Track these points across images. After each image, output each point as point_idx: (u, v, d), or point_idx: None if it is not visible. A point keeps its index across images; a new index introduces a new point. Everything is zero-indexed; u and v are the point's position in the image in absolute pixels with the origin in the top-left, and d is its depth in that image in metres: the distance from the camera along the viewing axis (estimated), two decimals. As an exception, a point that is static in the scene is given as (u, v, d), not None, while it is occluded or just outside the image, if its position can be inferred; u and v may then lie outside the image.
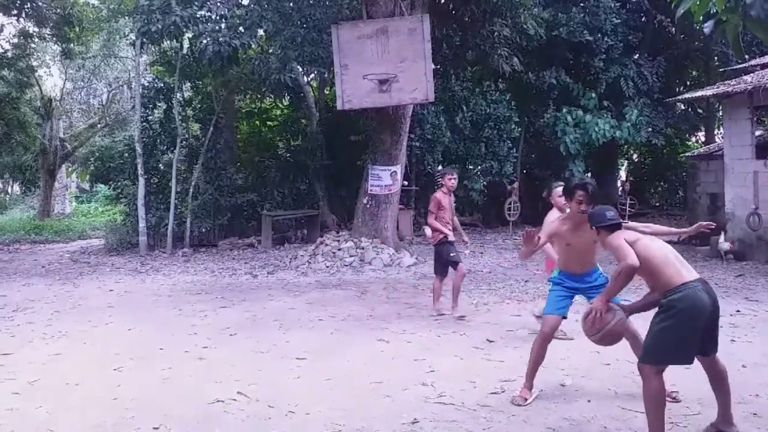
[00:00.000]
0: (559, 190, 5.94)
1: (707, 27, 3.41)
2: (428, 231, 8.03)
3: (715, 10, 3.22)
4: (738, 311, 7.68)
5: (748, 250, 11.86)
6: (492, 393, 4.98)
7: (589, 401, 4.74)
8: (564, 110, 19.14)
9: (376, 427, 4.35)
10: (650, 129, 19.77)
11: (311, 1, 13.98)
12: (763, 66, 13.38)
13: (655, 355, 3.91)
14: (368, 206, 13.71)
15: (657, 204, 26.05)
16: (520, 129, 19.03)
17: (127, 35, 20.04)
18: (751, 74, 12.95)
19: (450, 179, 8.03)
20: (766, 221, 11.70)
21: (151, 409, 4.80)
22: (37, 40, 21.41)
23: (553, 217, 6.01)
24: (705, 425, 4.25)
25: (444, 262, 7.91)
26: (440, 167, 19.96)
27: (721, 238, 11.99)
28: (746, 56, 16.93)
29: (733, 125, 12.53)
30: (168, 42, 16.07)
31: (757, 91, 11.36)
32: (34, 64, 24.39)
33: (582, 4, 18.71)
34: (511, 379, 5.29)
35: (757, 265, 11.26)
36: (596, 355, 5.94)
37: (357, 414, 4.61)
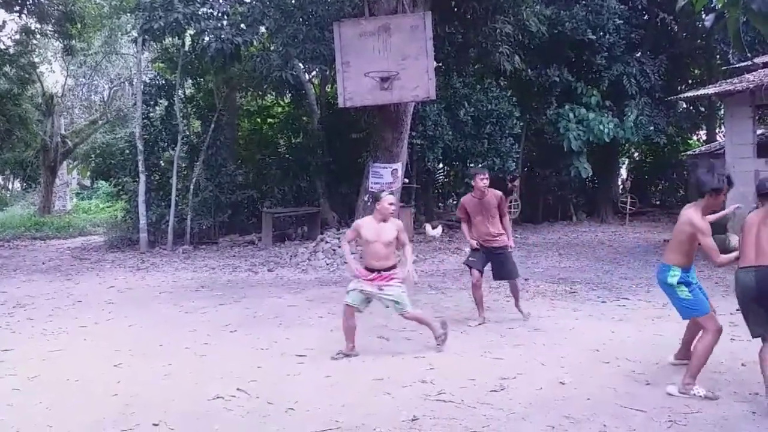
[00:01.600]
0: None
1: (708, 20, 3.41)
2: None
3: (716, 4, 3.22)
4: (738, 310, 7.64)
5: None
6: (492, 391, 4.97)
7: (588, 399, 4.73)
8: (566, 107, 19.13)
9: (376, 424, 4.35)
10: (651, 128, 19.76)
11: (313, -2, 13.98)
12: (765, 64, 13.36)
13: None
14: (369, 204, 13.68)
15: (658, 202, 26.03)
16: (522, 125, 19.02)
17: (129, 32, 20.05)
18: (753, 73, 12.94)
19: (481, 179, 7.28)
20: (768, 220, 11.67)
21: (150, 406, 4.80)
22: (38, 36, 21.41)
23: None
24: (705, 423, 4.24)
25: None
26: (441, 165, 19.98)
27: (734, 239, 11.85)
28: (748, 54, 16.91)
29: (734, 124, 12.53)
30: (170, 39, 16.07)
31: (759, 90, 11.36)
32: (36, 60, 24.39)
33: (584, 2, 18.68)
34: (510, 376, 5.28)
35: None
36: (596, 354, 5.94)
37: (356, 411, 4.61)
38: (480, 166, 17.75)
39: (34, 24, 20.50)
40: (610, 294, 8.92)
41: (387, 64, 11.75)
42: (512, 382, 5.16)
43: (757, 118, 12.72)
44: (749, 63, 14.41)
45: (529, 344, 6.34)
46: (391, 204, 6.06)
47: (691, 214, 4.89)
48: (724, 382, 5.07)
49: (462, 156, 18.24)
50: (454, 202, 20.06)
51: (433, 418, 4.44)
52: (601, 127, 18.77)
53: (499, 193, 7.47)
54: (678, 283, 4.92)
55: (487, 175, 7.38)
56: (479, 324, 7.19)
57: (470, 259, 7.45)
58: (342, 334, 6.07)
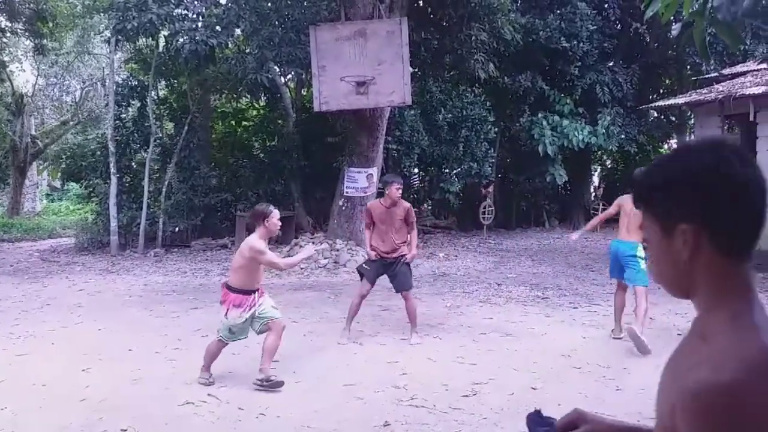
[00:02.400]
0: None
1: (675, 29, 3.46)
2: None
3: (683, 15, 3.27)
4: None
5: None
6: (463, 396, 4.99)
7: (559, 405, 4.75)
8: (540, 115, 19.32)
9: (348, 430, 4.34)
10: (623, 136, 20.04)
11: (289, 2, 13.93)
12: (734, 75, 13.63)
13: None
14: (344, 208, 13.70)
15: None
16: (496, 130, 19.16)
17: (102, 32, 19.79)
18: (723, 83, 13.19)
19: (396, 188, 6.92)
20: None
21: (119, 411, 4.73)
22: (9, 34, 21.05)
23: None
24: None
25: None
26: (416, 170, 20.03)
27: None
28: (719, 67, 17.24)
29: (704, 133, 12.75)
30: (143, 40, 15.90)
31: (728, 100, 11.57)
32: (6, 59, 23.94)
33: (558, 11, 18.90)
34: (482, 381, 5.31)
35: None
36: (567, 359, 6.00)
37: (329, 416, 4.59)
38: (455, 171, 17.84)
39: (4, 22, 20.15)
40: (582, 300, 9.01)
41: (363, 69, 11.76)
42: (484, 387, 5.18)
43: (726, 128, 12.95)
44: (717, 75, 14.70)
45: (501, 350, 6.38)
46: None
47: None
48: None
49: (438, 161, 18.31)
50: (429, 208, 20.13)
51: (405, 424, 4.44)
52: (576, 133, 18.99)
53: (408, 204, 7.16)
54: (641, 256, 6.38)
55: (401, 185, 7.07)
56: (345, 341, 6.76)
57: (364, 266, 7.10)
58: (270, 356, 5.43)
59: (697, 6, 3.12)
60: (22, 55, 26.97)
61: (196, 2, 13.93)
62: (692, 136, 21.38)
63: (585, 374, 5.51)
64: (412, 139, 17.16)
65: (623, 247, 6.55)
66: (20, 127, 26.76)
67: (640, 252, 6.33)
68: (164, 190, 16.31)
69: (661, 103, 16.01)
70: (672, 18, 3.53)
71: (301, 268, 12.16)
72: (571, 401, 4.82)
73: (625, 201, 6.53)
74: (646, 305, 6.28)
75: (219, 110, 21.15)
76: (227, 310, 5.38)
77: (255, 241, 5.29)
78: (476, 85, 18.95)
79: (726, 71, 14.52)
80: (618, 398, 4.90)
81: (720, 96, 11.75)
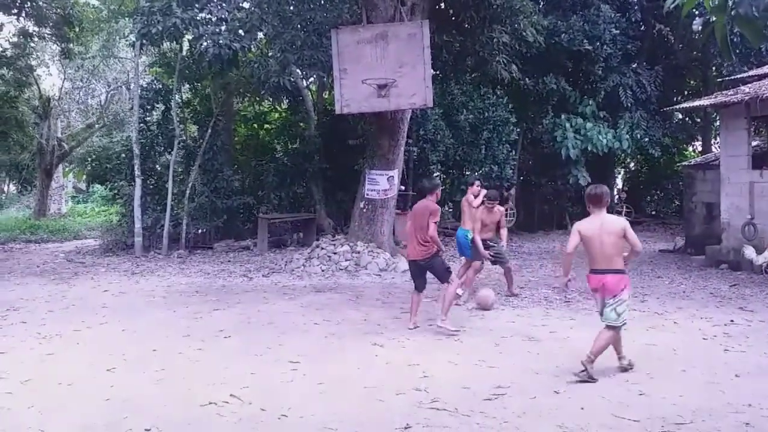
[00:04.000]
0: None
1: (696, 25, 3.44)
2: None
3: (704, 11, 3.22)
4: (732, 321, 7.69)
5: (743, 260, 11.88)
6: (485, 399, 4.97)
7: (582, 409, 4.73)
8: (563, 117, 19.20)
9: (369, 432, 4.34)
10: (646, 139, 19.85)
11: (311, 5, 13.99)
12: (761, 77, 13.43)
13: None
14: (365, 211, 13.70)
15: (653, 213, 26.10)
16: (518, 131, 19.07)
17: (127, 36, 20.02)
18: (749, 85, 12.99)
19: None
20: (761, 231, 11.73)
21: (143, 411, 4.78)
22: (36, 39, 21.39)
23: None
24: (697, 434, 4.25)
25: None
26: (436, 173, 19.99)
27: (749, 250, 11.71)
28: (746, 68, 17.00)
29: (729, 135, 12.57)
30: (168, 44, 16.07)
31: (754, 102, 11.39)
32: (33, 63, 24.38)
33: (581, 13, 18.77)
34: (505, 385, 5.28)
35: (751, 275, 11.27)
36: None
37: (349, 418, 4.60)
38: (478, 173, 17.76)
39: (32, 27, 20.47)
40: (605, 303, 8.91)
41: (384, 72, 11.76)
42: (506, 390, 5.16)
43: (752, 129, 12.77)
44: (745, 75, 14.49)
45: (523, 353, 6.34)
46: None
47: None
48: (718, 392, 5.08)
49: (459, 163, 18.27)
50: (450, 210, 20.08)
51: (426, 426, 4.44)
52: (600, 137, 18.85)
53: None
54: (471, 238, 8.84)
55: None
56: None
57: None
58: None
59: (717, 1, 3.07)
60: (49, 59, 27.48)
61: (219, 6, 14.03)
62: (717, 138, 21.11)
63: (608, 378, 5.46)
64: (436, 137, 17.13)
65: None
66: (47, 130, 27.19)
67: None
68: (188, 192, 16.47)
69: (685, 105, 15.80)
70: (696, 12, 3.51)
71: (323, 270, 12.21)
72: (593, 406, 4.79)
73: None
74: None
75: (242, 113, 21.32)
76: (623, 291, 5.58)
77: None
78: (498, 86, 18.90)
79: (753, 72, 14.31)
80: (642, 403, 4.85)
81: (746, 97, 11.58)
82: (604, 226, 5.53)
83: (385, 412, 4.73)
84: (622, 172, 28.59)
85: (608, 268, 5.50)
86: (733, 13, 2.95)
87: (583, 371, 5.34)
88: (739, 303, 8.88)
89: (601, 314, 5.63)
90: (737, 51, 17.77)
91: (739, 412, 4.66)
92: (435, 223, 7.26)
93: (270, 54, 15.46)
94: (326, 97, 19.94)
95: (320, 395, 5.14)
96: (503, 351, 6.41)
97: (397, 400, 4.97)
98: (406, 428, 4.40)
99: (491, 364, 5.94)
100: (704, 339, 6.88)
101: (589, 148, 18.90)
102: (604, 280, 5.52)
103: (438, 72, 16.97)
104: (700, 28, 3.28)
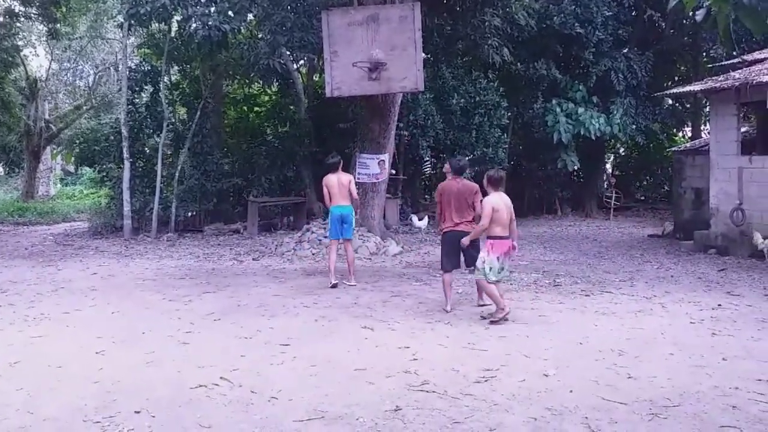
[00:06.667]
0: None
1: (699, 15, 3.41)
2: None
3: (704, 1, 3.22)
4: (719, 305, 7.76)
5: (731, 245, 11.97)
6: (475, 382, 4.99)
7: (571, 391, 4.76)
8: (554, 101, 19.19)
9: (359, 414, 4.36)
10: (635, 126, 19.90)
11: (302, -14, 13.88)
12: (751, 62, 13.46)
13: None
14: (355, 194, 13.66)
15: (642, 198, 26.20)
16: (509, 115, 19.05)
17: (115, 17, 19.80)
18: (739, 70, 13.03)
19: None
20: (750, 217, 11.81)
21: (132, 393, 4.78)
22: (23, 19, 21.13)
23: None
24: (686, 416, 4.29)
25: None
26: (427, 158, 19.97)
27: (757, 235, 11.47)
28: (735, 51, 17.03)
29: (719, 121, 12.61)
30: (156, 24, 15.89)
31: (744, 88, 11.42)
32: (20, 43, 24.04)
33: (573, -3, 18.71)
34: (494, 368, 5.31)
35: (739, 260, 11.36)
36: (579, 346, 5.99)
37: (340, 400, 4.61)
38: (469, 156, 17.72)
39: (18, 6, 20.22)
40: (594, 287, 8.98)
41: (375, 54, 11.69)
42: (496, 373, 5.18)
43: (741, 115, 12.81)
44: (737, 60, 14.50)
45: (512, 336, 6.37)
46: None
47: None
48: (705, 375, 5.13)
49: (450, 147, 18.25)
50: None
51: (416, 408, 4.45)
52: (593, 121, 18.87)
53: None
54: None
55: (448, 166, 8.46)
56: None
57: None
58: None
59: None
60: (35, 39, 27.12)
61: (208, -13, 13.88)
62: (707, 124, 21.18)
63: (597, 362, 5.50)
64: (427, 123, 17.08)
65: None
66: (34, 112, 26.93)
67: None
68: (177, 175, 16.38)
69: (676, 90, 15.82)
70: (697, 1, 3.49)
71: (313, 254, 12.20)
72: (582, 388, 4.83)
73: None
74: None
75: (231, 96, 21.17)
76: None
77: None
78: (489, 70, 18.85)
79: (742, 58, 14.33)
80: (630, 386, 4.89)
81: (736, 83, 11.60)
82: (506, 202, 6.92)
83: (375, 394, 4.75)
84: (612, 157, 28.65)
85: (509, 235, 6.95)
86: (735, 2, 2.94)
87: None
88: (726, 287, 8.96)
89: (501, 271, 6.93)
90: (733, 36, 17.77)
91: (726, 395, 4.70)
92: (480, 201, 7.46)
93: (260, 36, 15.33)
94: (316, 79, 19.81)
95: (310, 378, 5.14)
96: (493, 334, 6.44)
97: (386, 383, 4.99)
98: (395, 410, 4.42)
99: (481, 347, 5.97)
100: (692, 323, 6.93)
101: (582, 132, 18.92)
102: (510, 244, 6.95)
103: (429, 55, 16.89)
104: (701, 18, 3.26)
